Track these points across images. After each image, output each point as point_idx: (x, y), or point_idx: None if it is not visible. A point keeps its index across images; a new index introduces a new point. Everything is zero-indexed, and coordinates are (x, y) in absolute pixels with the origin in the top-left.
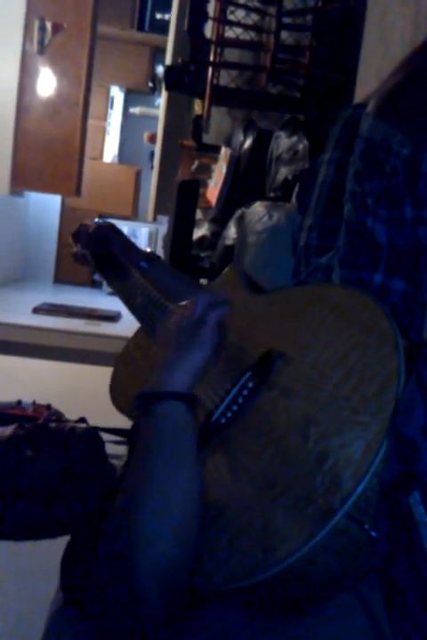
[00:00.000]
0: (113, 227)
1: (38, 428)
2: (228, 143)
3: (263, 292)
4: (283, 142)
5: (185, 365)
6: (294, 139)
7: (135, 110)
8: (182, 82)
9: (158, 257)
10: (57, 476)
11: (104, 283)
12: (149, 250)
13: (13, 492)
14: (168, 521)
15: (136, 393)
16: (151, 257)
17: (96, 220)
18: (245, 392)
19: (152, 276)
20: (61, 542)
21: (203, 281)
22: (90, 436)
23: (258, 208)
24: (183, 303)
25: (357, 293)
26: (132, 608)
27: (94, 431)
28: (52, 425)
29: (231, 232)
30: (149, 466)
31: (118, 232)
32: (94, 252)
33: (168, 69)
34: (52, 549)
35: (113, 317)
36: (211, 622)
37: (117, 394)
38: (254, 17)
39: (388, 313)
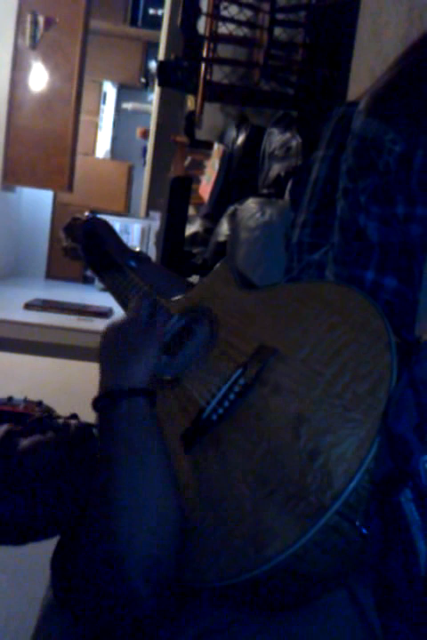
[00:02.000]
0: (105, 222)
1: (33, 420)
2: (221, 139)
3: (255, 289)
4: (276, 139)
5: (140, 362)
6: (287, 135)
7: (128, 106)
8: (175, 77)
9: (148, 257)
10: (51, 469)
11: (96, 279)
12: (138, 249)
13: (5, 484)
14: (145, 515)
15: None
16: (141, 257)
17: (87, 213)
18: (237, 389)
19: (141, 275)
20: (53, 539)
21: (195, 277)
22: (85, 433)
23: (250, 204)
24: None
25: (349, 291)
26: (122, 604)
27: (89, 428)
28: (47, 419)
29: (224, 228)
30: (117, 463)
31: (109, 228)
32: (85, 246)
33: (161, 65)
34: (43, 547)
35: (105, 313)
36: (205, 617)
37: None
38: (248, 13)
39: (380, 310)
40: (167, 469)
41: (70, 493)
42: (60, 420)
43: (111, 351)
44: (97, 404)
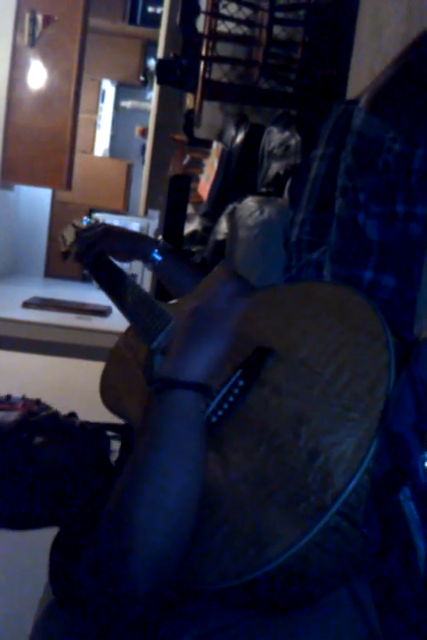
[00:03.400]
0: (109, 229)
1: (49, 417)
2: (219, 138)
3: (254, 290)
4: (275, 137)
5: (203, 355)
6: (286, 134)
7: (126, 104)
8: (174, 76)
9: (170, 248)
10: (64, 468)
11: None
12: (160, 237)
13: (18, 479)
14: (165, 513)
15: (126, 392)
16: (164, 247)
17: (84, 218)
18: (236, 390)
19: (162, 270)
20: (50, 538)
21: None
22: (98, 434)
23: (249, 203)
24: (206, 289)
25: (347, 290)
26: (122, 604)
27: (103, 429)
28: (62, 417)
29: (223, 227)
30: (153, 453)
31: (116, 234)
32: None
33: (160, 63)
34: (42, 547)
35: (103, 312)
36: (206, 617)
37: (108, 393)
38: (247, 11)
39: (378, 310)
40: (200, 470)
41: (76, 493)
42: (76, 422)
43: (180, 333)
44: (152, 385)
